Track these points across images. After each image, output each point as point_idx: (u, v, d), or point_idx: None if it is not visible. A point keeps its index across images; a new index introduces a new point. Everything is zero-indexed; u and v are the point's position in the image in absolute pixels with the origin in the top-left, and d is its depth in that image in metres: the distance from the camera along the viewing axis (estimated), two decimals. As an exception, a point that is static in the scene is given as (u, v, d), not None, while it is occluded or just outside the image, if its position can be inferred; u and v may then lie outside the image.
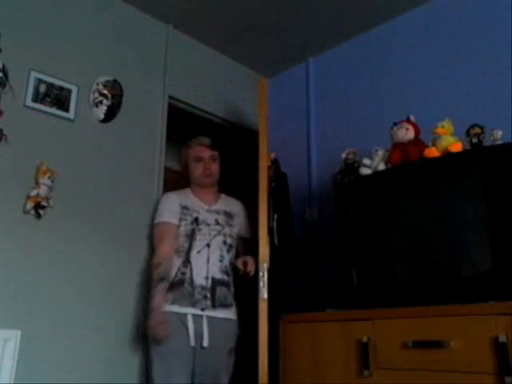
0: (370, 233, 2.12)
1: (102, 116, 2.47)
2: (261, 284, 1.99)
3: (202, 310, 2.17)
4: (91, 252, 2.30)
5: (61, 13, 2.43)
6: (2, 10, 2.21)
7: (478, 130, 2.06)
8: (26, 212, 2.11)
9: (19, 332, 1.97)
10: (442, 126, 2.08)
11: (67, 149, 2.32)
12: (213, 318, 2.18)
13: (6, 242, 2.04)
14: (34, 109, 2.23)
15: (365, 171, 2.26)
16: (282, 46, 3.08)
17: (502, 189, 1.78)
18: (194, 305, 2.17)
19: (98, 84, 2.47)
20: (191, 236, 2.28)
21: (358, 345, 1.86)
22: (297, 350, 2.07)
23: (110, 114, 2.50)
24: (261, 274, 2.01)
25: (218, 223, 2.34)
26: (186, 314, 2.15)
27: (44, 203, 2.13)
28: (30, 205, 2.11)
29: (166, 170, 2.76)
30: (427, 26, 2.67)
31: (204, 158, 2.42)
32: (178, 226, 2.30)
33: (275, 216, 2.49)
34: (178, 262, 2.24)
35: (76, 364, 2.15)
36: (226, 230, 2.36)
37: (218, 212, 2.38)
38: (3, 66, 2.13)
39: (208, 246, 2.27)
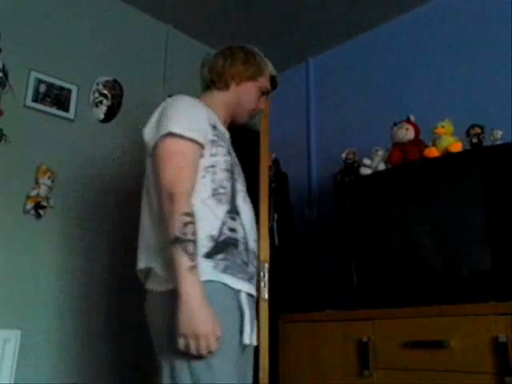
0: (370, 233, 2.12)
1: (101, 116, 2.47)
2: (262, 284, 1.99)
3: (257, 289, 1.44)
4: (91, 252, 2.29)
5: (60, 13, 2.43)
6: (1, 9, 2.21)
7: (477, 130, 2.06)
8: (25, 212, 2.11)
9: (19, 332, 1.97)
10: (442, 126, 2.08)
11: (67, 149, 2.32)
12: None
13: (5, 242, 2.04)
14: (34, 109, 2.23)
15: (365, 171, 2.26)
16: (282, 46, 3.08)
17: (501, 189, 1.78)
18: (249, 280, 1.39)
19: (98, 84, 2.47)
20: (232, 173, 1.42)
21: (358, 345, 1.86)
22: (297, 350, 2.07)
23: (110, 114, 2.50)
24: (262, 274, 2.01)
25: None
26: (239, 292, 1.34)
27: (44, 203, 2.14)
28: (30, 205, 2.11)
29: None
30: (427, 26, 2.67)
31: (268, 95, 1.76)
32: (210, 155, 1.40)
33: (275, 216, 2.50)
34: (219, 212, 1.36)
35: (76, 364, 2.15)
36: None
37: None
38: (3, 66, 2.13)
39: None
